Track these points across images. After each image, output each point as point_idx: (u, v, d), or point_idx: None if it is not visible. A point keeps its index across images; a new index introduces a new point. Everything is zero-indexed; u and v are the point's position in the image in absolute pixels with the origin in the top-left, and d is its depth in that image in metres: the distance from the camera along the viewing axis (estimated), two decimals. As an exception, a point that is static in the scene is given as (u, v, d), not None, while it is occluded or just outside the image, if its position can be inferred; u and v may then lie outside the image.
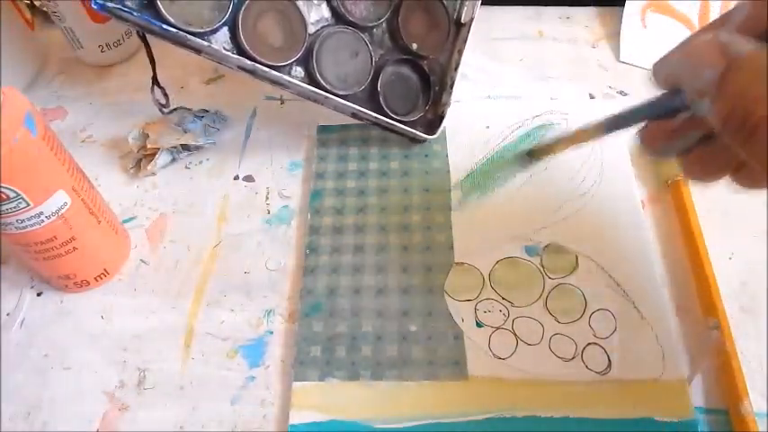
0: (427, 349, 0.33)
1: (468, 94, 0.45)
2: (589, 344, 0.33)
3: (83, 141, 0.44)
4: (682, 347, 0.33)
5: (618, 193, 0.38)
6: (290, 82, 0.35)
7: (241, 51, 0.35)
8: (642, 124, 0.25)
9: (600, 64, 0.47)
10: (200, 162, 0.43)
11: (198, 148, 0.42)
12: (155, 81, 0.38)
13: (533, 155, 0.33)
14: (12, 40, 0.45)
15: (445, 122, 0.42)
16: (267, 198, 0.40)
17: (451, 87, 0.41)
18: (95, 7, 0.31)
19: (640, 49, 0.47)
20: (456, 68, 0.42)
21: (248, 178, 0.41)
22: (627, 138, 0.41)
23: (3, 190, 0.29)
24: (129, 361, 0.34)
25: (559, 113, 0.43)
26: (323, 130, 0.43)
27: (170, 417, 0.32)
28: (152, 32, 0.33)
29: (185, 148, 0.42)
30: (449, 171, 0.40)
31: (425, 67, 0.41)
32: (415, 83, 0.41)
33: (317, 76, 0.37)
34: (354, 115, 0.38)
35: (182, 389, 0.33)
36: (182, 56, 0.49)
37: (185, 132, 0.41)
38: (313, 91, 0.36)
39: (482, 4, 0.42)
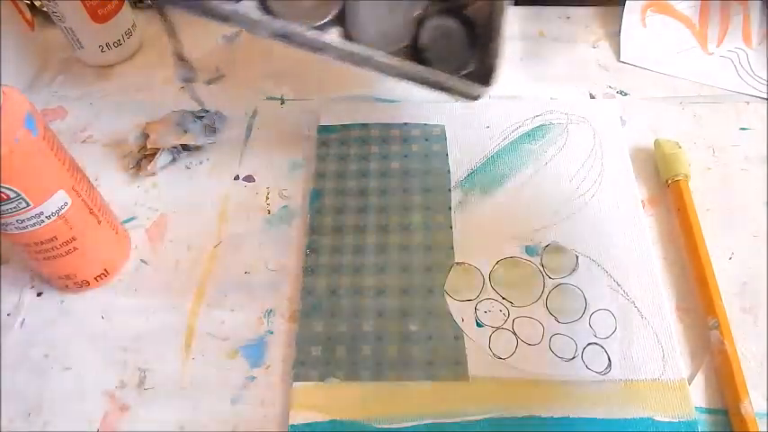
0: (427, 349, 0.33)
1: (468, 94, 0.45)
2: (589, 344, 0.33)
3: (83, 141, 0.44)
4: (682, 347, 0.33)
5: (618, 193, 0.38)
6: (327, 44, 0.32)
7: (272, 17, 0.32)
8: None
9: (600, 64, 0.47)
10: (201, 162, 0.43)
11: (198, 148, 0.42)
12: (179, 56, 0.36)
13: None
14: (12, 40, 0.45)
15: (446, 123, 0.41)
16: (267, 198, 0.40)
17: (500, 35, 0.36)
18: None
19: (640, 49, 0.47)
20: (502, 13, 0.36)
21: (248, 178, 0.41)
22: (627, 138, 0.41)
23: (3, 190, 0.29)
24: (130, 361, 0.34)
25: (559, 113, 0.43)
26: (323, 130, 0.43)
27: (170, 417, 0.32)
28: (176, 3, 0.31)
29: (185, 148, 0.42)
30: (449, 171, 0.40)
31: (470, 16, 0.37)
32: (461, 34, 0.37)
33: (356, 34, 0.34)
34: (400, 75, 0.35)
35: (182, 389, 0.33)
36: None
37: (185, 132, 0.41)
38: (353, 52, 0.33)
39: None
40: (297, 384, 0.32)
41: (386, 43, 0.35)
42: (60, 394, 0.33)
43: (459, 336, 0.33)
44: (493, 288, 0.35)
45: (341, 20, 0.34)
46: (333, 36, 0.34)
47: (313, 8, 0.33)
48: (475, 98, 0.37)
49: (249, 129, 0.44)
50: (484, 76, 0.37)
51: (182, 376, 0.33)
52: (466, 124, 0.42)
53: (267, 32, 0.32)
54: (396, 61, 0.34)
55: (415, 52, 0.36)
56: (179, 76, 0.37)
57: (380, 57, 0.34)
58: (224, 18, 0.31)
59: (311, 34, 0.32)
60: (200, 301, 0.36)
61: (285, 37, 0.32)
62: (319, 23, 0.33)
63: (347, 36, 0.34)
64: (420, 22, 0.36)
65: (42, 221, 0.31)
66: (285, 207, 0.40)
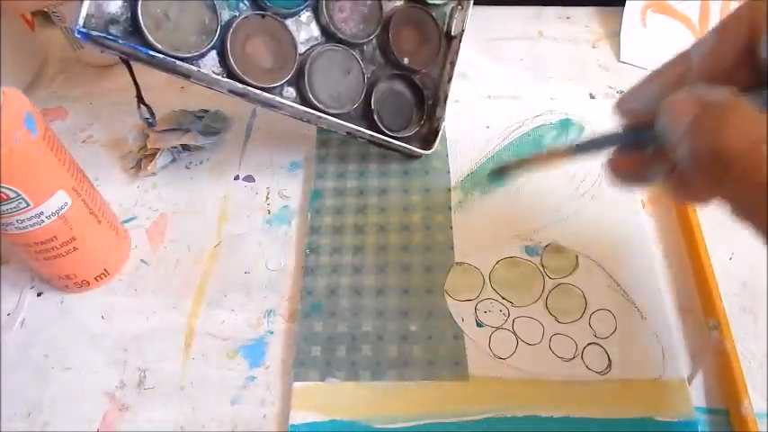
0: (427, 349, 0.33)
1: (468, 94, 0.45)
2: (589, 344, 0.33)
3: (83, 141, 0.44)
4: (682, 347, 0.33)
5: (618, 193, 0.38)
6: (281, 103, 0.35)
7: (231, 75, 0.34)
8: (609, 152, 0.25)
9: (600, 64, 0.47)
10: (201, 162, 0.43)
11: (198, 148, 0.42)
12: (140, 100, 0.38)
13: (502, 171, 0.31)
14: (12, 40, 0.45)
15: (445, 124, 0.42)
16: (267, 198, 0.40)
17: (445, 101, 0.41)
18: (79, 36, 0.30)
19: (640, 49, 0.47)
20: (449, 81, 0.41)
21: (248, 178, 0.41)
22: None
23: (3, 190, 0.29)
24: (130, 361, 0.34)
25: (559, 113, 0.43)
26: (323, 130, 0.43)
27: (170, 417, 0.32)
28: (139, 59, 0.32)
29: (185, 148, 0.42)
30: (449, 171, 0.40)
31: (418, 82, 0.40)
32: (409, 98, 0.40)
33: (309, 95, 0.36)
34: (349, 134, 0.38)
35: (182, 389, 0.33)
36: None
37: (185, 132, 0.41)
38: (306, 111, 0.35)
39: (482, 4, 0.42)
40: (297, 384, 0.32)
41: (338, 104, 0.37)
42: (60, 394, 0.33)
43: (459, 336, 0.33)
44: (493, 288, 0.35)
45: (296, 81, 0.36)
46: (288, 96, 0.36)
47: (270, 70, 0.35)
48: (417, 157, 0.41)
49: (249, 129, 0.44)
50: (426, 138, 0.41)
51: (181, 376, 0.33)
52: (466, 124, 0.42)
53: (226, 90, 0.34)
54: (345, 123, 0.37)
55: (366, 111, 0.39)
56: (140, 117, 0.39)
57: (331, 118, 0.36)
58: (185, 76, 0.33)
59: (267, 95, 0.34)
60: (200, 301, 0.36)
61: (243, 95, 0.34)
62: (276, 84, 0.35)
63: (302, 96, 0.36)
64: (372, 84, 0.39)
65: (42, 221, 0.31)
66: (285, 207, 0.40)
